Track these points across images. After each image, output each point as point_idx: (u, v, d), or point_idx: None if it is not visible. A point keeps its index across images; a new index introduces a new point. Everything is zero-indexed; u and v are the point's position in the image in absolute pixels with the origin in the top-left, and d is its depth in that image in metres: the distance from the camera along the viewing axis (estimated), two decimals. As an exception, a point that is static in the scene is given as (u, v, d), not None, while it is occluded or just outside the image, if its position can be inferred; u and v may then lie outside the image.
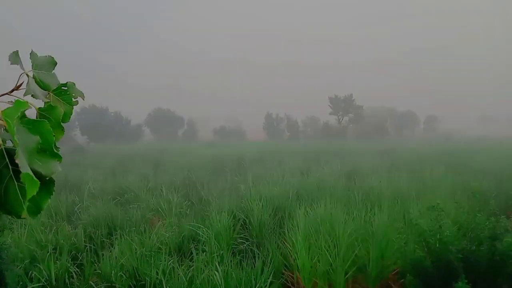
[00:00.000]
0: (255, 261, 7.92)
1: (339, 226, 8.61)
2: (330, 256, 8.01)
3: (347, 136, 72.13)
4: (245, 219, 10.62)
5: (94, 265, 7.77)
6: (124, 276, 7.02)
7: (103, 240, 9.58)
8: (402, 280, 7.93)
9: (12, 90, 1.27)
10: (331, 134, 69.53)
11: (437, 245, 6.69)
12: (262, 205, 10.97)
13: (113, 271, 6.96)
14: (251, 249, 9.22)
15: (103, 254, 7.77)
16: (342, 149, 37.72)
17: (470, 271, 6.36)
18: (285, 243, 9.07)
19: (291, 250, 8.47)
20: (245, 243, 9.58)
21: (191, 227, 9.64)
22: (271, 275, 7.31)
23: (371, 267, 8.33)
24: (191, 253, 8.41)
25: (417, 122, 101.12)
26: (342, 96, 76.62)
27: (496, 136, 68.91)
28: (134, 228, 9.77)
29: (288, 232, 9.00)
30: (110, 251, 8.17)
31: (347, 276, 7.96)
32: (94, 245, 9.26)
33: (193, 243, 9.12)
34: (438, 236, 6.76)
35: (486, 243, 6.65)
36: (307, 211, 9.78)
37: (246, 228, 10.43)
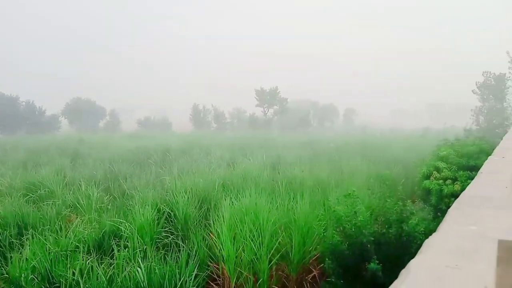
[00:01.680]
0: (180, 255, 7.83)
1: (263, 215, 8.84)
2: (254, 245, 8.20)
3: (273, 127, 73.91)
4: (170, 212, 10.43)
5: (1, 269, 7.13)
6: (35, 279, 6.53)
7: (12, 242, 8.80)
8: (322, 265, 8.40)
9: None
10: (257, 126, 70.80)
11: (352, 229, 7.17)
12: (188, 197, 10.86)
13: (23, 274, 6.43)
14: (176, 243, 9.10)
15: (11, 257, 7.15)
16: (267, 141, 38.54)
17: (381, 252, 6.93)
18: (211, 234, 9.10)
19: (216, 241, 8.51)
20: (169, 236, 9.42)
21: (112, 223, 9.24)
22: (196, 267, 7.29)
23: (293, 254, 8.68)
24: (112, 250, 8.08)
25: (337, 114, 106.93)
26: (267, 88, 78.20)
27: (405, 128, 75.23)
28: (48, 227, 9.11)
29: (213, 223, 9.03)
30: (20, 253, 7.54)
31: (270, 264, 8.21)
32: (1, 247, 8.48)
33: (114, 239, 8.75)
34: (353, 222, 7.25)
35: (394, 226, 7.27)
36: (232, 202, 9.88)
37: (171, 221, 10.26)
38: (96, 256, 7.50)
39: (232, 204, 9.67)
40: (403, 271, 0.98)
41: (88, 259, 6.98)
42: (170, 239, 9.29)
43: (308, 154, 25.59)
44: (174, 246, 8.89)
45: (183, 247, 8.62)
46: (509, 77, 41.66)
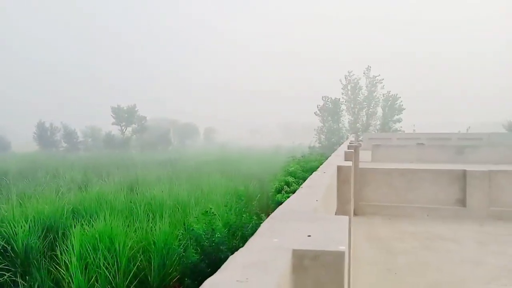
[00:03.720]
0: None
1: (119, 240, 8.37)
2: (109, 273, 7.69)
3: (131, 147, 70.77)
4: (6, 246, 9.06)
5: None
6: None
7: None
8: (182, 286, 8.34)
9: None
10: (114, 145, 66.85)
11: (210, 247, 7.36)
12: (30, 227, 9.61)
13: None
14: (13, 281, 7.93)
15: None
16: (125, 160, 36.76)
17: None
18: (58, 267, 8.20)
19: (64, 273, 7.71)
20: (5, 274, 8.17)
21: None
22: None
23: (152, 278, 8.42)
24: None
25: (197, 133, 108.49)
26: (125, 106, 74.82)
27: (261, 146, 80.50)
28: None
29: (61, 254, 8.17)
30: None
31: (128, 290, 7.81)
32: None
33: None
34: (211, 239, 7.44)
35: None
36: (84, 228, 9.11)
37: (8, 256, 8.91)
38: None
39: (84, 231, 8.92)
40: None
41: None
42: (6, 277, 8.05)
43: (168, 173, 25.25)
44: (11, 285, 7.74)
45: (23, 284, 7.57)
46: (343, 101, 49.00)
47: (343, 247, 0.82)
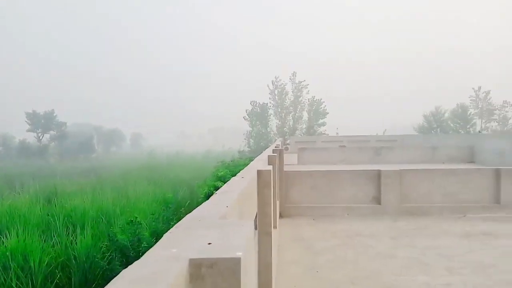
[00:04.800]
0: None
1: (34, 257, 7.77)
2: (23, 293, 7.11)
3: (50, 155, 65.85)
4: None
5: None
6: None
7: None
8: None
9: None
10: (30, 154, 61.71)
11: (137, 257, 7.12)
12: None
13: None
14: None
15: None
16: (43, 170, 34.18)
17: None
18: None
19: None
20: None
21: None
22: None
23: (73, 294, 7.93)
24: None
25: (123, 139, 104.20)
26: (42, 111, 69.48)
27: (190, 150, 79.54)
28: None
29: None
30: None
31: (44, 311, 7.27)
32: None
33: None
34: (137, 249, 7.20)
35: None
36: (-8, 247, 8.32)
37: None
38: None
39: (-8, 249, 8.16)
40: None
41: None
42: None
43: (91, 182, 23.96)
44: None
45: None
46: (271, 106, 50.45)
47: (240, 253, 0.86)
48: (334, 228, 7.58)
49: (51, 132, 70.28)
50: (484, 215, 8.41)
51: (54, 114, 70.24)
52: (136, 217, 7.82)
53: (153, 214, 10.44)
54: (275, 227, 5.65)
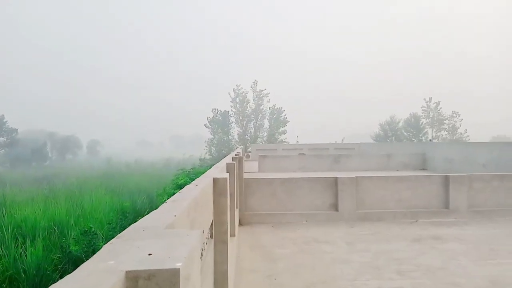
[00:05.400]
0: None
1: (-23, 273, 7.30)
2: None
3: (-1, 162, 62.40)
4: None
5: None
6: None
7: None
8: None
9: None
10: (-24, 161, 58.19)
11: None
12: None
13: None
14: None
15: None
16: (-9, 178, 32.25)
17: None
18: None
19: None
20: None
21: None
22: None
23: (21, 311, 7.51)
24: None
25: (80, 146, 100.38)
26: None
27: (150, 158, 77.81)
28: None
29: None
30: None
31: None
32: None
33: None
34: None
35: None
36: None
37: None
38: None
39: None
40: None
41: None
42: None
43: (43, 191, 22.88)
44: None
45: None
46: (232, 114, 50.57)
47: (179, 264, 0.87)
48: (292, 235, 7.68)
49: (1, 139, 66.66)
50: (434, 219, 8.82)
51: (4, 120, 66.74)
52: (91, 227, 7.55)
53: (109, 224, 10.12)
54: (233, 235, 5.65)
